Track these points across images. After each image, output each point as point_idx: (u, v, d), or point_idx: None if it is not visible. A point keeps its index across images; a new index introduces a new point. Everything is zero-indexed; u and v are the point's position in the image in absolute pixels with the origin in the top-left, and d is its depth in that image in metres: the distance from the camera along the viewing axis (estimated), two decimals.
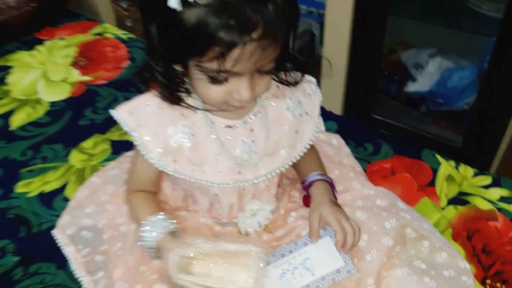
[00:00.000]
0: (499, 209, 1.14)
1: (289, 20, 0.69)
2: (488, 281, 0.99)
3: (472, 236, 1.08)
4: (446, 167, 1.26)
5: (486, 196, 1.18)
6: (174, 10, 0.63)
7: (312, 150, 0.94)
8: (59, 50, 1.80)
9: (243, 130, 0.82)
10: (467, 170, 1.25)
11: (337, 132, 1.30)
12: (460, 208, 1.15)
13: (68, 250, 0.98)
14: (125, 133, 0.81)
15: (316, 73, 1.34)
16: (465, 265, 0.91)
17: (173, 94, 0.76)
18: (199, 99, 0.78)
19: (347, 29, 1.31)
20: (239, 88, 0.69)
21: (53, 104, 1.53)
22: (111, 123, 1.39)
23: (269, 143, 0.83)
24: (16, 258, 1.05)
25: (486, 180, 1.22)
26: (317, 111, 0.89)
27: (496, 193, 1.19)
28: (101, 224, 1.02)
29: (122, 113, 0.79)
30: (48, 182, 1.24)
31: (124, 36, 1.88)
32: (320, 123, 0.93)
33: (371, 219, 0.89)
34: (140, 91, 0.78)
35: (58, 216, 1.07)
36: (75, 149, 1.34)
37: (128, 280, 0.86)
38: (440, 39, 1.49)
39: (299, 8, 0.73)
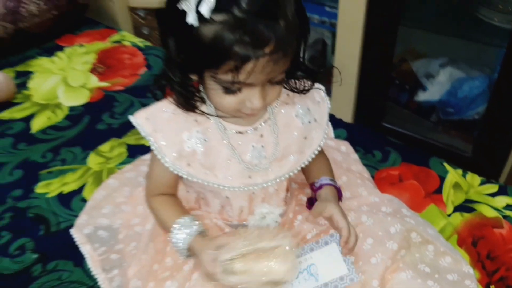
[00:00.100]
0: (505, 217, 1.15)
1: (300, 34, 0.72)
2: (492, 287, 1.00)
3: (477, 242, 1.09)
4: (453, 175, 1.27)
5: (492, 203, 1.19)
6: (191, 26, 0.65)
7: (322, 155, 0.95)
8: (79, 56, 1.82)
9: (253, 136, 0.83)
10: (474, 178, 1.26)
11: (346, 139, 1.30)
12: (466, 215, 1.16)
13: (85, 249, 1.02)
14: (141, 137, 0.84)
15: (328, 82, 1.36)
16: (469, 269, 0.92)
17: (188, 102, 0.78)
18: (213, 106, 0.80)
19: (359, 39, 1.33)
20: (251, 97, 0.72)
21: (72, 108, 1.56)
22: (128, 127, 1.43)
23: (278, 148, 0.85)
24: (35, 256, 1.08)
25: (493, 188, 1.23)
26: (326, 118, 0.90)
27: (502, 201, 1.20)
28: (116, 224, 1.05)
29: (139, 119, 0.81)
30: (67, 183, 1.27)
31: (141, 44, 1.90)
32: (329, 129, 0.94)
33: (377, 224, 0.91)
34: (156, 98, 0.81)
35: (75, 216, 1.10)
36: (92, 152, 1.37)
37: (142, 278, 0.89)
38: (450, 50, 1.49)
39: (310, 19, 0.76)
